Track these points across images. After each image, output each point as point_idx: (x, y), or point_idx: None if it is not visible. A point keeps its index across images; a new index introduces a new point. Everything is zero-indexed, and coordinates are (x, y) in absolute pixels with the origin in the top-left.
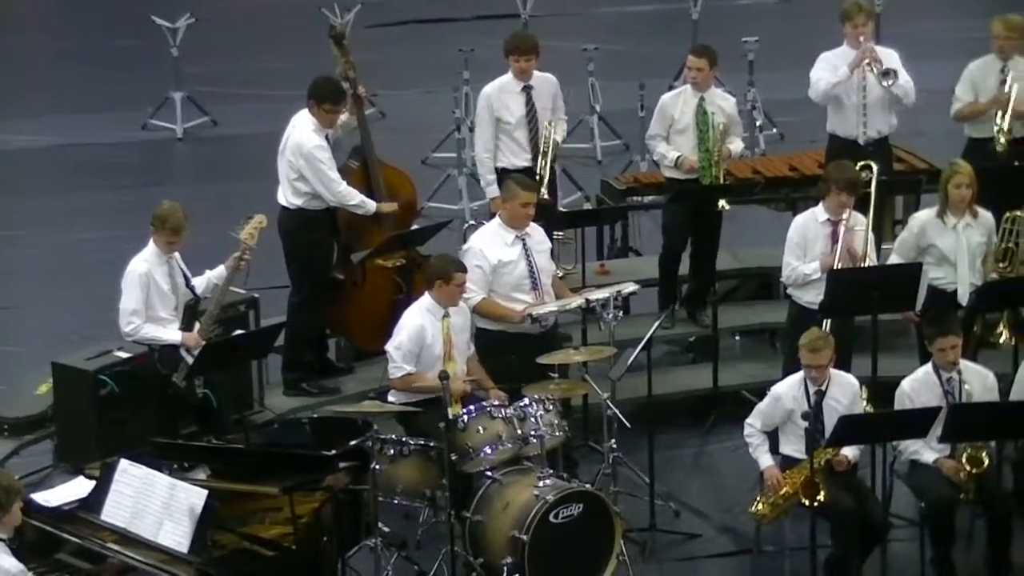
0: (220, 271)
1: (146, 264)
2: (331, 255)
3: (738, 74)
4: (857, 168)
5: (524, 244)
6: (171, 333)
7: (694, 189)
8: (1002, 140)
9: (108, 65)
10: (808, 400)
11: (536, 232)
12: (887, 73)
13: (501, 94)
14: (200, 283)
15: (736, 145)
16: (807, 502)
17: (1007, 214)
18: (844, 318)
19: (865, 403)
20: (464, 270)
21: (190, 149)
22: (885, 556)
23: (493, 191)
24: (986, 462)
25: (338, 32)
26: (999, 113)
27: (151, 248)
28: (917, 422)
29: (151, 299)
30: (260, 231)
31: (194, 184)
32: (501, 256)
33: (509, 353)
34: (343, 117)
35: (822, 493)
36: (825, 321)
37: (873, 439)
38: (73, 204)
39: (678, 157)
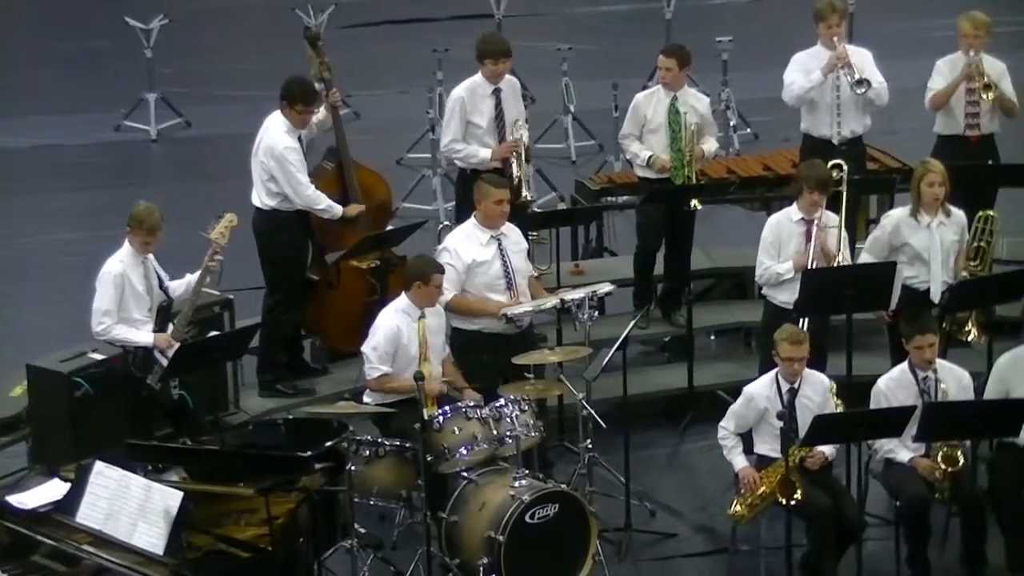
0: (199, 276)
1: (121, 264)
2: (305, 256)
3: (712, 74)
4: (828, 167)
5: (500, 244)
6: (142, 335)
7: (667, 189)
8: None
9: (81, 66)
10: (781, 399)
11: (512, 233)
12: (860, 82)
13: (473, 97)
14: (179, 286)
15: (710, 145)
16: (784, 501)
17: (980, 213)
18: (819, 317)
19: (836, 401)
20: (442, 271)
21: (164, 150)
22: (860, 555)
23: (485, 154)
24: (961, 461)
25: (313, 33)
26: None
27: (126, 249)
28: (892, 421)
29: (125, 300)
30: (231, 230)
31: (168, 185)
32: (476, 256)
33: (484, 353)
34: (319, 115)
35: (799, 491)
36: (802, 320)
37: (848, 438)
38: (47, 205)
39: (650, 156)
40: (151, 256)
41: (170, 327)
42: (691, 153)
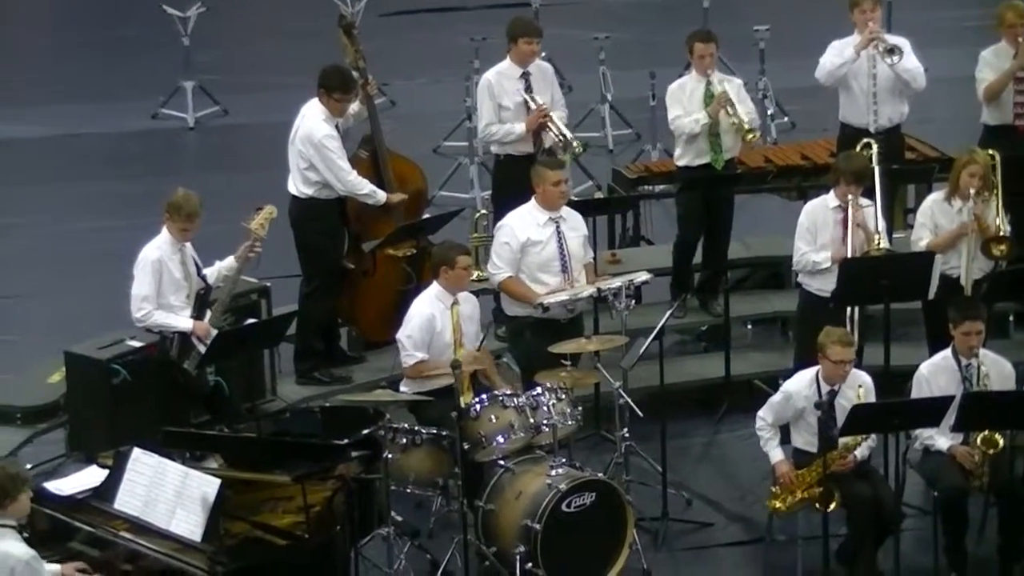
0: (230, 261)
1: (158, 251)
2: (342, 244)
3: (749, 63)
4: (858, 148)
5: (557, 227)
6: (182, 321)
7: (705, 177)
8: None
9: (119, 54)
10: (820, 398)
11: (572, 217)
12: (892, 50)
13: (500, 80)
14: (210, 273)
15: (749, 113)
16: (823, 508)
17: None
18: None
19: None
20: (467, 252)
21: (201, 138)
22: (898, 545)
23: (519, 128)
24: (1001, 443)
25: (348, 22)
26: None
27: (164, 236)
28: (930, 411)
29: (163, 286)
30: (270, 222)
31: (205, 173)
32: (531, 235)
33: (536, 338)
34: (353, 107)
35: (835, 502)
36: (850, 310)
37: (886, 428)
38: (83, 193)
39: (703, 121)
40: (188, 243)
41: (207, 314)
42: (735, 116)
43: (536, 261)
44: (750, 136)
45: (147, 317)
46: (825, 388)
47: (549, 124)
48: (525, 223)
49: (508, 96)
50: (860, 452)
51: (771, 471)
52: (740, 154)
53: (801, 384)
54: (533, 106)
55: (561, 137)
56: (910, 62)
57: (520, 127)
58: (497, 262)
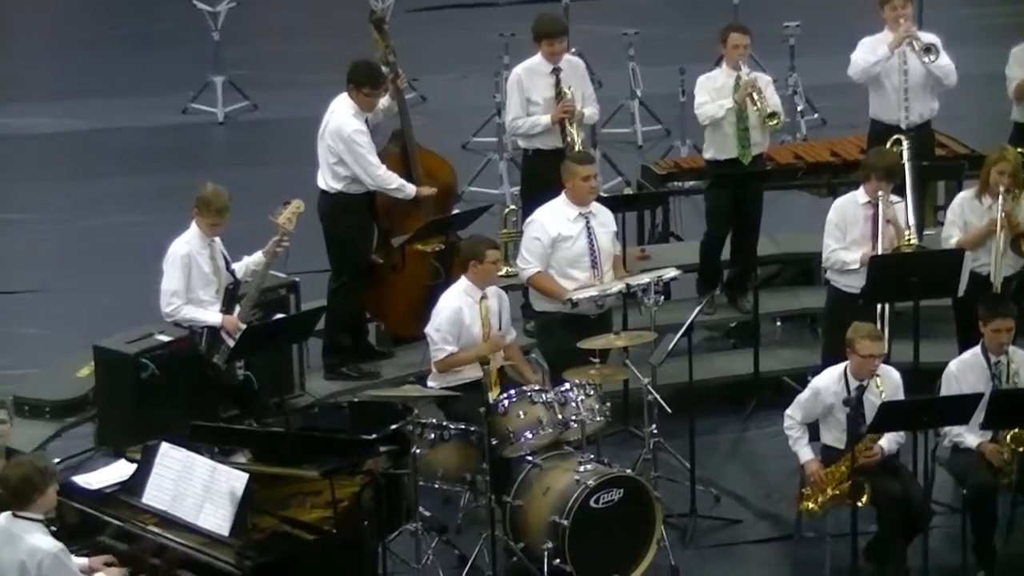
0: (257, 257)
1: (187, 246)
2: (371, 239)
3: (779, 59)
4: (888, 145)
5: (587, 222)
6: (211, 315)
7: (734, 174)
8: None
9: (149, 49)
10: (849, 396)
11: (602, 213)
12: (929, 49)
13: (531, 76)
14: (239, 268)
15: (775, 106)
16: (853, 504)
17: None
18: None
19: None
20: (495, 246)
21: (230, 133)
22: (927, 543)
23: (544, 119)
24: None
25: (378, 17)
26: None
27: (193, 230)
28: (959, 409)
29: (192, 281)
30: (297, 216)
31: (234, 168)
32: (561, 230)
33: (565, 334)
34: (383, 102)
35: (866, 495)
36: (881, 307)
37: (915, 426)
38: (113, 188)
39: (728, 106)
40: (217, 239)
41: (236, 309)
42: (759, 102)
43: (566, 256)
44: (773, 122)
45: (176, 312)
46: (854, 384)
47: (567, 125)
48: (555, 218)
49: (537, 91)
50: (887, 445)
51: (800, 470)
52: (768, 150)
53: (830, 380)
54: (568, 95)
55: (569, 140)
56: (942, 59)
57: (545, 119)
58: (527, 257)
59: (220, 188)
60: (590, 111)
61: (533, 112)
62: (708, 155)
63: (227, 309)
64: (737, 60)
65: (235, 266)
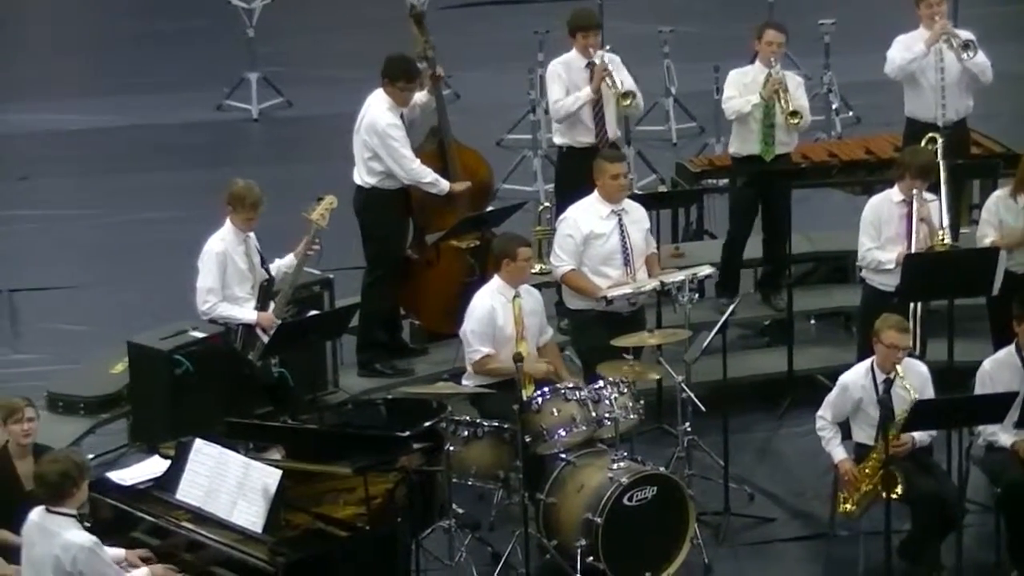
0: (289, 260)
1: (223, 243)
2: (405, 234)
3: (814, 57)
4: (923, 143)
5: (619, 219)
6: (247, 312)
7: (763, 171)
8: None
9: (183, 46)
10: (876, 388)
11: (634, 210)
12: (967, 45)
13: (568, 69)
14: (273, 269)
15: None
16: (887, 495)
17: None
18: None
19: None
20: (527, 244)
21: (265, 130)
22: (960, 541)
23: (584, 92)
24: None
25: (418, 11)
26: None
27: (228, 227)
28: (993, 407)
29: (228, 278)
30: (331, 212)
31: (268, 165)
32: (594, 228)
33: (598, 332)
34: (420, 97)
35: (899, 485)
36: (914, 305)
37: (948, 424)
38: (148, 184)
39: (754, 101)
40: (252, 235)
41: (271, 305)
42: (784, 100)
43: (598, 254)
44: (794, 120)
45: (212, 309)
46: (880, 376)
47: (606, 78)
48: (588, 215)
49: (575, 86)
50: (919, 436)
51: (834, 470)
52: (803, 148)
53: (857, 375)
54: (597, 60)
55: (618, 85)
56: (979, 56)
57: (586, 90)
58: (560, 254)
59: (251, 183)
60: (636, 102)
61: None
62: (732, 149)
63: (262, 306)
64: (770, 57)
65: (272, 264)
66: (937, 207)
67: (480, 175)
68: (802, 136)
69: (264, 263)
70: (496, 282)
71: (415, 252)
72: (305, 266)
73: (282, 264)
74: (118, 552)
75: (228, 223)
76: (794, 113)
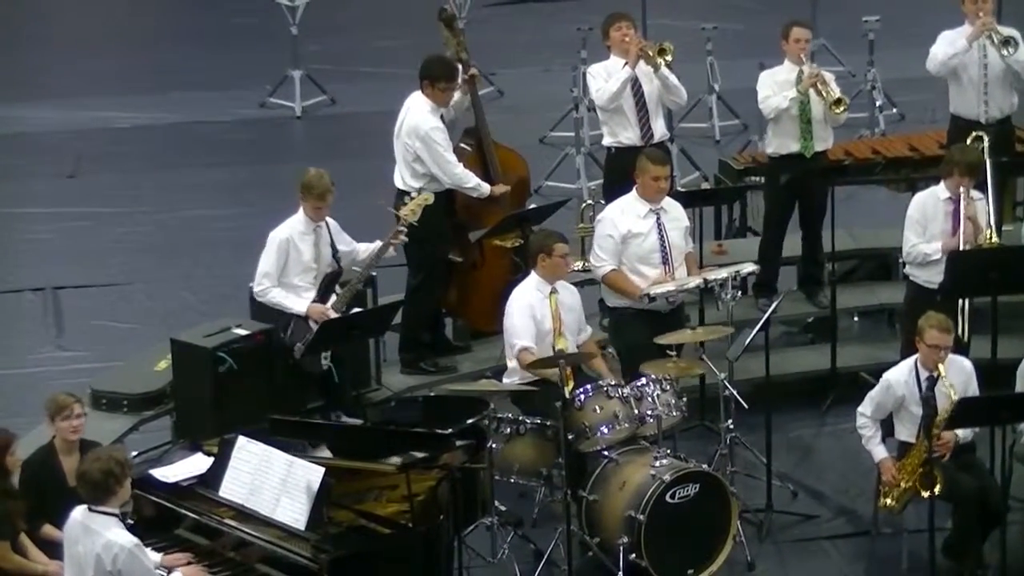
0: (369, 247)
1: (289, 230)
2: (448, 237)
3: (858, 54)
4: (968, 140)
5: (658, 218)
6: (298, 303)
7: (805, 170)
8: None
9: (227, 43)
10: (920, 386)
11: (673, 208)
12: (1007, 41)
13: (609, 70)
14: (365, 249)
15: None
16: (925, 494)
17: None
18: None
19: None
20: (564, 240)
21: (308, 127)
22: (1004, 539)
23: (625, 72)
24: None
25: (448, 14)
26: None
27: (299, 215)
28: None
29: (288, 266)
30: (423, 208)
31: (311, 162)
32: (632, 227)
33: (638, 329)
34: (456, 96)
35: (939, 485)
36: (963, 302)
37: (992, 421)
38: (190, 181)
39: (792, 96)
40: (330, 223)
41: (332, 297)
42: (826, 90)
43: (637, 253)
44: (839, 109)
45: (265, 293)
46: (924, 374)
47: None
48: (625, 214)
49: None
50: (961, 432)
51: (876, 468)
52: (847, 145)
53: (901, 372)
54: (807, 69)
55: (654, 52)
56: (1021, 52)
57: (627, 69)
58: (600, 254)
59: (321, 171)
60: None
61: (613, 108)
62: (770, 150)
63: (322, 297)
64: (799, 55)
65: (362, 247)
66: (984, 205)
67: (517, 172)
68: (846, 133)
69: (335, 254)
70: (533, 278)
71: (458, 254)
72: (381, 259)
73: (363, 248)
74: (156, 557)
75: (300, 211)
76: (838, 101)
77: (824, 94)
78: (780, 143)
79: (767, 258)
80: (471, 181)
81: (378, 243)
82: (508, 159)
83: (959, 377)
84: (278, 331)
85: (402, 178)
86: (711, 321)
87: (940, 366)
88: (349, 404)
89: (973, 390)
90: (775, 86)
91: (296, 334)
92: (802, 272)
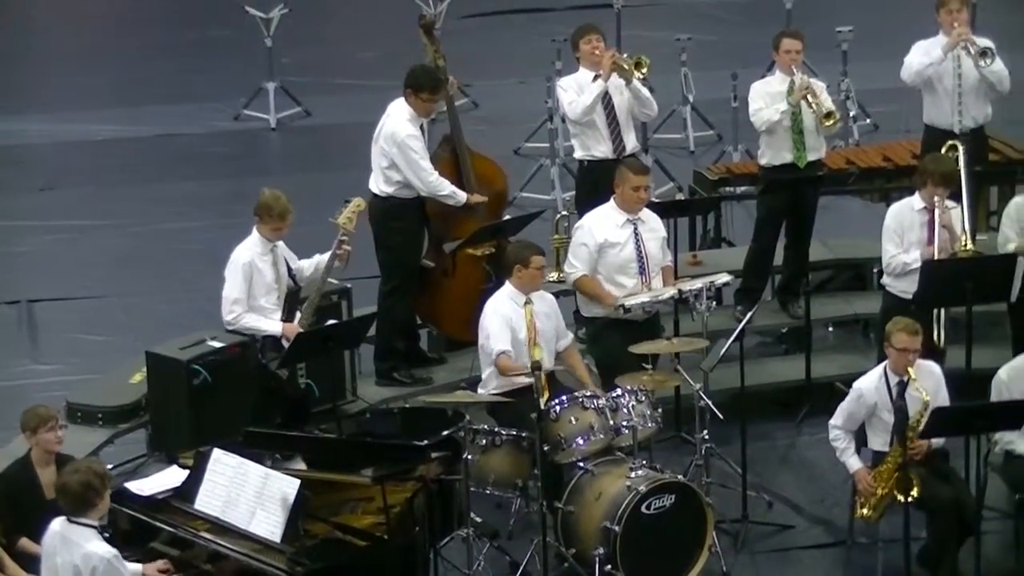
0: (316, 260)
1: (249, 253)
2: (421, 243)
3: (832, 64)
4: (943, 150)
5: (635, 228)
6: (272, 324)
7: (789, 179)
8: None
9: (201, 56)
10: (890, 392)
11: (650, 219)
12: (984, 53)
13: (579, 86)
14: (309, 266)
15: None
16: (902, 498)
17: None
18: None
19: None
20: (541, 252)
21: (283, 139)
22: (979, 548)
23: (596, 85)
24: None
25: (428, 21)
26: None
27: (255, 237)
28: (1011, 413)
29: (254, 288)
30: (358, 215)
31: (287, 174)
32: (609, 236)
33: (613, 339)
34: None
35: (915, 488)
36: (938, 311)
37: (967, 430)
38: (165, 194)
39: (783, 108)
40: (281, 244)
41: (297, 315)
42: (815, 102)
43: (614, 263)
44: (830, 122)
45: (237, 320)
46: (894, 379)
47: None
48: (603, 224)
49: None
50: (934, 440)
51: (852, 479)
52: (826, 156)
53: (871, 380)
54: (798, 80)
55: (629, 66)
56: (997, 64)
57: (598, 83)
58: (574, 261)
59: (277, 192)
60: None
61: (587, 121)
62: (763, 161)
63: (288, 316)
64: (790, 65)
65: (305, 262)
66: (959, 213)
67: (495, 183)
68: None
69: (291, 272)
70: (508, 289)
71: (431, 261)
72: (334, 270)
73: (307, 265)
74: (136, 568)
75: (255, 232)
76: (828, 115)
77: (814, 107)
78: (774, 154)
79: (755, 267)
80: (445, 189)
81: (323, 256)
82: (487, 170)
83: (928, 381)
84: (254, 345)
85: (377, 184)
86: (686, 332)
87: (910, 369)
88: (319, 419)
89: (943, 396)
90: (767, 98)
91: (270, 355)
92: (783, 283)
